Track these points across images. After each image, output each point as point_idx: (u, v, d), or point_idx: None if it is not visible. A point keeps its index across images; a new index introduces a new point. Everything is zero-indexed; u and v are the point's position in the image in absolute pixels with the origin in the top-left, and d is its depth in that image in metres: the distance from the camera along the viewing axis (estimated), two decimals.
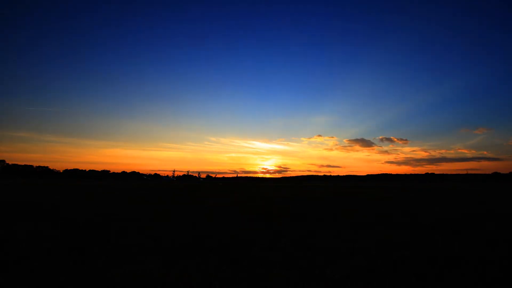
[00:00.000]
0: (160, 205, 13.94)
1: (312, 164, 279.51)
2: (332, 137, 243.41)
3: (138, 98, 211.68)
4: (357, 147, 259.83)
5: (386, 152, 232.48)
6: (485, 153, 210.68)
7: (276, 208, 13.26)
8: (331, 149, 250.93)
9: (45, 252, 5.22)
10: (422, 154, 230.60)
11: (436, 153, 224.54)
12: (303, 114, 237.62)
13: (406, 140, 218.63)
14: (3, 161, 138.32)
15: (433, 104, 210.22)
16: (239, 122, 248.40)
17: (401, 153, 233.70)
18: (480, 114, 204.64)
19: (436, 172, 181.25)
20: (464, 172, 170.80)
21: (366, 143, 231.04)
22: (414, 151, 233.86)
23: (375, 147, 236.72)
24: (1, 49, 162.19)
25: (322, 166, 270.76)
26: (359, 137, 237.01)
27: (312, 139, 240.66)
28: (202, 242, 6.11)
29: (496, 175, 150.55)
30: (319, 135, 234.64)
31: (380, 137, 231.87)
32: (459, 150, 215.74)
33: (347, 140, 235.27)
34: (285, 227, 7.97)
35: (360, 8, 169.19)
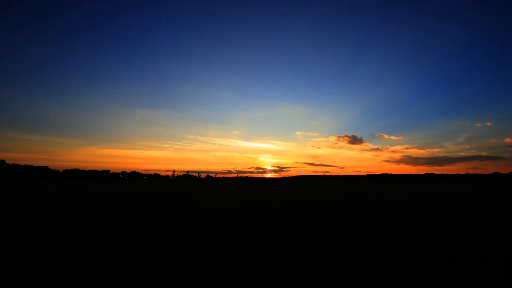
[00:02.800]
0: (160, 205, 13.95)
1: (305, 163, 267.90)
2: (314, 132, 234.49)
3: (117, 95, 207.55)
4: (345, 144, 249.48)
5: (378, 149, 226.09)
6: (484, 153, 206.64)
7: (276, 208, 13.26)
8: (319, 147, 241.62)
9: (45, 252, 5.22)
10: (418, 152, 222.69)
11: (431, 151, 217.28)
12: (276, 107, 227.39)
13: (397, 136, 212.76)
14: (3, 161, 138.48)
15: (423, 95, 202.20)
16: (213, 119, 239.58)
17: (394, 151, 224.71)
18: (477, 107, 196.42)
19: (436, 172, 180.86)
20: (464, 172, 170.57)
21: (354, 139, 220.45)
22: (407, 148, 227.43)
23: (367, 145, 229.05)
24: (3, 48, 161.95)
25: (319, 165, 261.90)
26: (343, 134, 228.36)
27: (296, 136, 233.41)
28: (202, 241, 6.11)
29: (496, 175, 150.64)
30: (300, 131, 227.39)
31: (377, 134, 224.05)
32: (458, 146, 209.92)
33: (335, 137, 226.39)
34: (285, 227, 7.97)
35: None
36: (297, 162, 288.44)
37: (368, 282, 3.88)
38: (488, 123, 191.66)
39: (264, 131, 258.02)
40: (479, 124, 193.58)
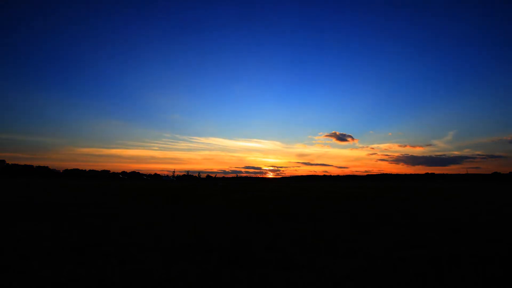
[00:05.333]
0: (160, 205, 13.95)
1: (301, 163, 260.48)
2: (300, 130, 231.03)
3: (90, 93, 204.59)
4: (334, 141, 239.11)
5: (371, 148, 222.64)
6: (481, 152, 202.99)
7: (276, 208, 13.26)
8: (305, 145, 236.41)
9: (45, 252, 5.22)
10: (414, 150, 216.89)
11: (427, 149, 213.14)
12: (257, 105, 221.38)
13: (386, 133, 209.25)
14: (3, 161, 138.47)
15: (415, 90, 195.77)
16: (188, 118, 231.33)
17: (387, 148, 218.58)
18: (474, 102, 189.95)
19: (436, 172, 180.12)
20: (464, 172, 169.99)
21: (342, 137, 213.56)
22: (400, 146, 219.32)
23: (356, 141, 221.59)
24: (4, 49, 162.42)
25: (315, 164, 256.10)
26: (327, 132, 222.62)
27: (281, 134, 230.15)
28: (202, 241, 6.11)
29: (496, 175, 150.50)
30: (283, 129, 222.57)
31: (365, 131, 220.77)
32: (453, 144, 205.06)
33: (321, 136, 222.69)
34: (285, 227, 7.97)
35: None
36: (290, 162, 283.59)
37: (368, 282, 3.87)
38: (487, 119, 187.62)
39: (247, 130, 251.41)
40: (475, 119, 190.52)
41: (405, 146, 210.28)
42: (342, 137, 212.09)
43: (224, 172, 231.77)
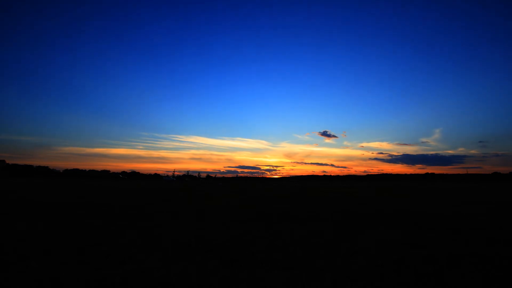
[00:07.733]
0: (160, 205, 13.95)
1: (294, 162, 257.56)
2: (288, 128, 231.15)
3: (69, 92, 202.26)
4: (321, 140, 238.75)
5: (358, 145, 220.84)
6: (474, 151, 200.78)
7: (276, 208, 13.26)
8: (292, 145, 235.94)
9: (45, 252, 5.22)
10: (409, 149, 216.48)
11: (419, 147, 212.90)
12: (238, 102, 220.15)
13: (374, 130, 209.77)
14: (3, 161, 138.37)
15: (405, 86, 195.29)
16: (164, 116, 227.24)
17: (379, 147, 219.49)
18: (470, 98, 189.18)
19: (436, 172, 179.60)
20: (464, 172, 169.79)
21: (329, 135, 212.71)
22: (391, 144, 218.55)
23: (344, 138, 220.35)
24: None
25: (310, 164, 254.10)
26: (315, 131, 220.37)
27: (269, 132, 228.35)
28: (202, 242, 6.12)
29: (496, 175, 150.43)
30: (270, 128, 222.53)
31: (364, 129, 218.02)
32: (446, 143, 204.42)
33: (308, 134, 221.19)
34: (285, 227, 7.97)
35: None
36: (282, 161, 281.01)
37: (368, 282, 3.88)
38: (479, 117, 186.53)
39: (228, 128, 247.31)
40: (474, 118, 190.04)
41: (396, 144, 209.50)
42: (328, 135, 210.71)
43: (220, 172, 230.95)
